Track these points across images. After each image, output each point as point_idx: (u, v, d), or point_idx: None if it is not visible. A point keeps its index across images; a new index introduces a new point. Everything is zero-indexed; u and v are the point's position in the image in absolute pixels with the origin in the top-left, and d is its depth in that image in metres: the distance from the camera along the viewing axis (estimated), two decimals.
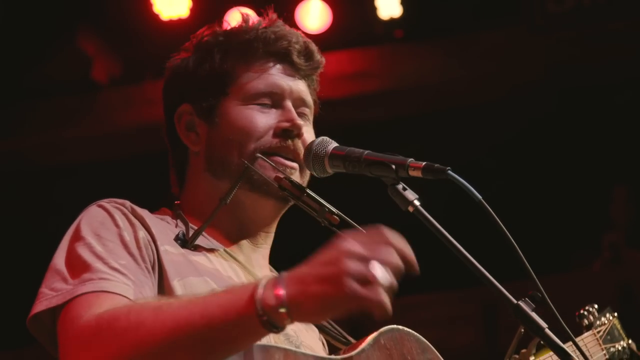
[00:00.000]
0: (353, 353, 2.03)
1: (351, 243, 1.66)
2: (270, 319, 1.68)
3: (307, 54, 2.31)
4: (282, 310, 1.67)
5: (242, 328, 1.72)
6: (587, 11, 7.05)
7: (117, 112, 7.55)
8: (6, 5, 6.95)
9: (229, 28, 2.32)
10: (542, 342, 2.00)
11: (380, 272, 1.63)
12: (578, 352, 2.11)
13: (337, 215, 2.15)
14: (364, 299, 1.63)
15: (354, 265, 1.63)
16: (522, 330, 2.39)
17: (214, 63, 2.27)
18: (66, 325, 1.86)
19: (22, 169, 7.88)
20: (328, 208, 2.15)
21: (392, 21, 7.44)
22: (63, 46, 7.26)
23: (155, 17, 7.01)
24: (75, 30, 7.36)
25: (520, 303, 1.97)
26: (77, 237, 2.00)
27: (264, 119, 2.23)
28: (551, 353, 2.50)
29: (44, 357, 2.03)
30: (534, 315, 1.97)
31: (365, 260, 1.64)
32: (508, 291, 1.99)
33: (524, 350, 2.45)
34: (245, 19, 2.31)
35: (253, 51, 2.27)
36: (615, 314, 2.76)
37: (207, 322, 1.72)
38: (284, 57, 2.28)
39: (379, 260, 1.64)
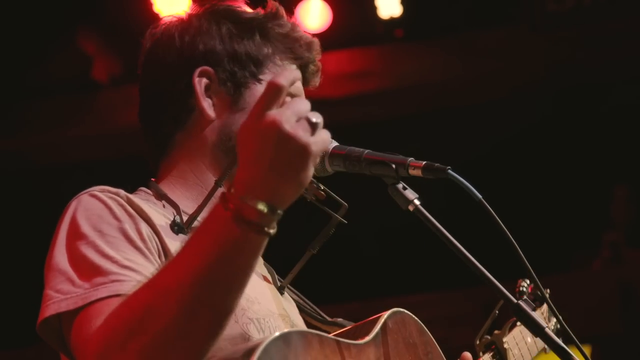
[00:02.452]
0: (368, 339, 1.99)
1: (268, 112, 1.62)
2: (243, 216, 1.61)
3: (317, 74, 2.27)
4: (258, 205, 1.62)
5: (230, 241, 1.63)
6: (587, 11, 7.06)
7: (117, 112, 7.54)
8: (7, 5, 6.96)
9: (266, 11, 2.22)
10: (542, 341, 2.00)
11: (313, 115, 1.64)
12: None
13: (323, 190, 2.14)
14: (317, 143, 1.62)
15: (291, 119, 1.61)
16: (497, 312, 2.40)
17: (252, 43, 2.18)
18: (82, 334, 1.76)
19: (22, 169, 7.87)
20: (316, 184, 2.14)
21: (392, 20, 7.44)
22: (63, 46, 7.26)
23: (155, 17, 7.00)
24: (75, 30, 7.36)
25: (521, 302, 1.98)
26: (77, 234, 1.88)
27: None
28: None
29: (45, 356, 2.00)
30: (534, 314, 1.97)
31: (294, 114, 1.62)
32: (508, 291, 2.00)
33: (497, 332, 2.46)
34: (277, 9, 2.23)
35: (299, 52, 2.22)
36: (548, 290, 2.74)
37: (201, 261, 1.64)
38: (306, 65, 2.24)
39: (301, 111, 1.64)
